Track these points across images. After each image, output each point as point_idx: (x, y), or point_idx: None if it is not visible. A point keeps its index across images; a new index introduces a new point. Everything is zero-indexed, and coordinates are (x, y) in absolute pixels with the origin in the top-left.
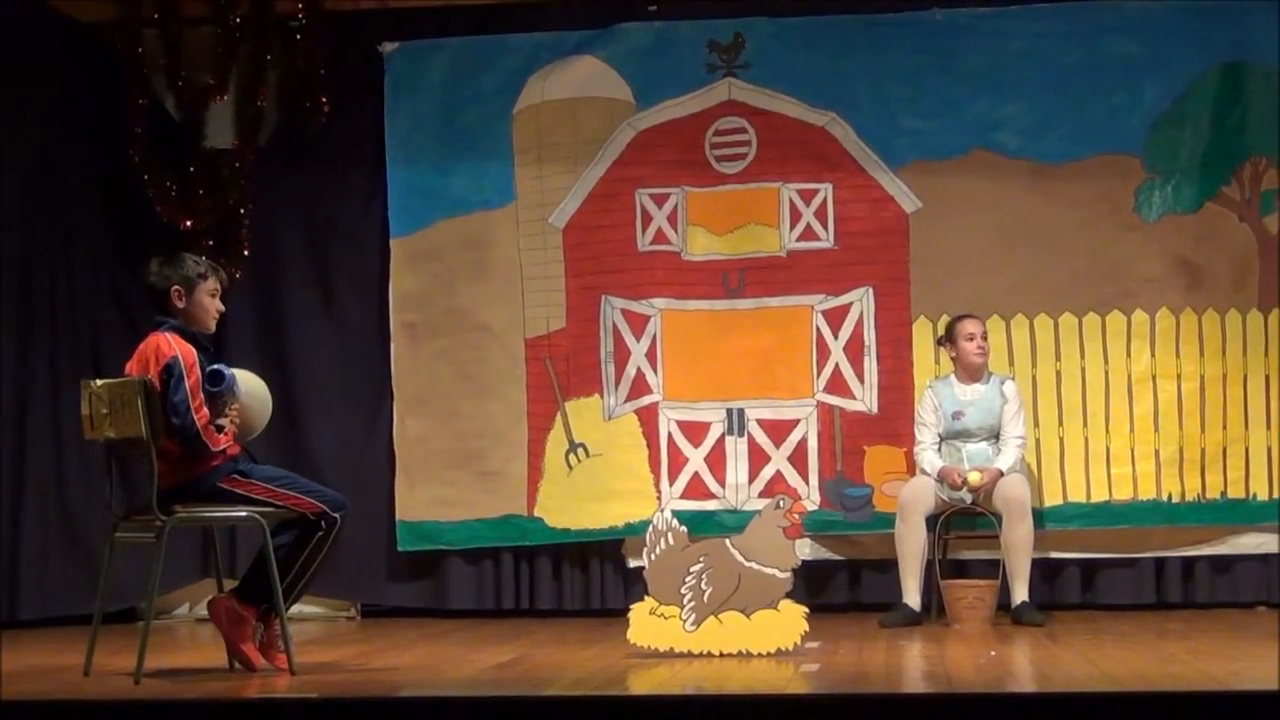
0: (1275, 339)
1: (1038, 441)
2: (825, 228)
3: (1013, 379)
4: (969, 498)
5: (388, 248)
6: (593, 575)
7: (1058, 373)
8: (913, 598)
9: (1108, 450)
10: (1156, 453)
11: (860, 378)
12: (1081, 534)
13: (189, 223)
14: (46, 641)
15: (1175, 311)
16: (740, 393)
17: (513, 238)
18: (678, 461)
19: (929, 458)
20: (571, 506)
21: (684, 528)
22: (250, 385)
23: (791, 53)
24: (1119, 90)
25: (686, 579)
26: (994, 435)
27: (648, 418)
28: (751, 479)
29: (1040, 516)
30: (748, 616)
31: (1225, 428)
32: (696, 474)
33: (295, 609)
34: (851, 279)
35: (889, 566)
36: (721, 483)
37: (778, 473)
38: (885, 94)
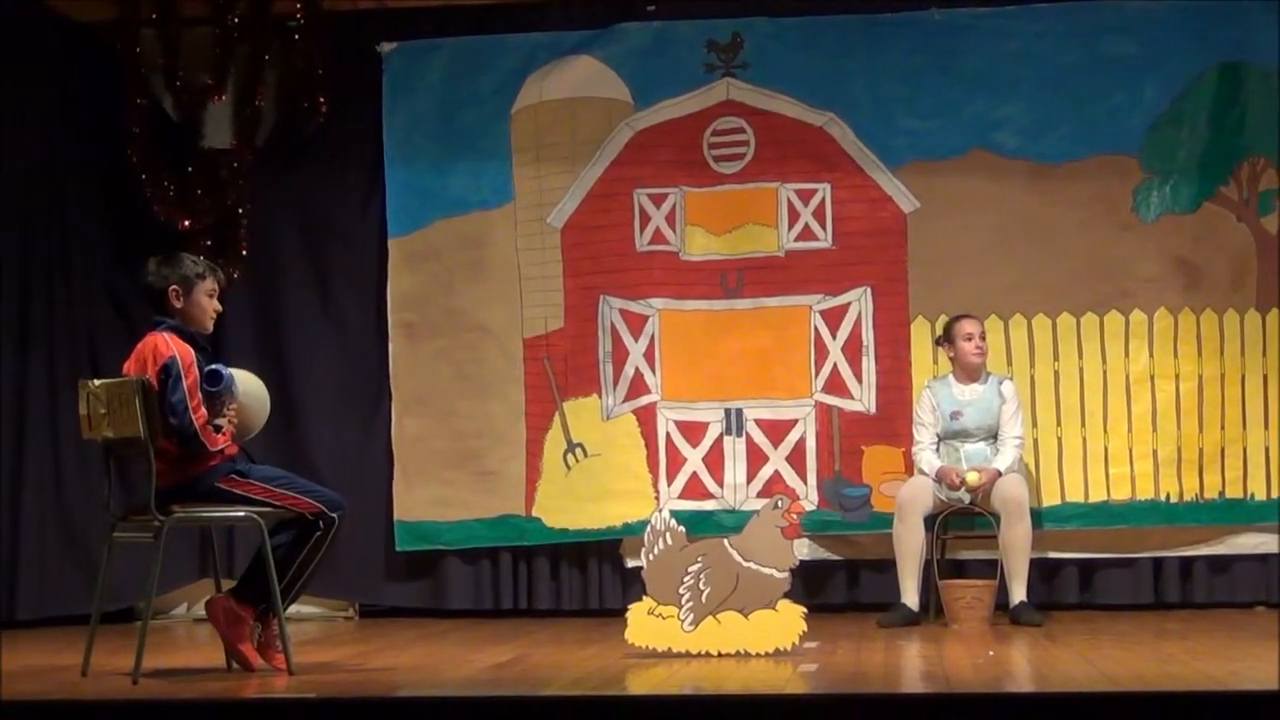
0: (1273, 339)
1: (1036, 441)
2: (823, 228)
3: (1011, 379)
4: (967, 498)
5: (386, 247)
6: (591, 575)
7: (1056, 373)
8: (911, 598)
9: (1106, 450)
10: (1155, 453)
11: (858, 378)
12: (1080, 534)
13: (187, 222)
14: (44, 641)
15: (1173, 311)
16: (738, 393)
17: (511, 238)
18: (676, 461)
19: (927, 458)
20: (570, 506)
21: (682, 528)
22: (248, 385)
23: (790, 53)
24: (1117, 90)
25: (685, 579)
26: (992, 435)
27: (646, 418)
28: (750, 479)
29: (1038, 516)
30: (746, 616)
31: (1223, 428)
32: (695, 474)
33: (293, 609)
34: (850, 279)
35: (887, 566)
36: (720, 483)
37: (776, 473)
38: (884, 94)
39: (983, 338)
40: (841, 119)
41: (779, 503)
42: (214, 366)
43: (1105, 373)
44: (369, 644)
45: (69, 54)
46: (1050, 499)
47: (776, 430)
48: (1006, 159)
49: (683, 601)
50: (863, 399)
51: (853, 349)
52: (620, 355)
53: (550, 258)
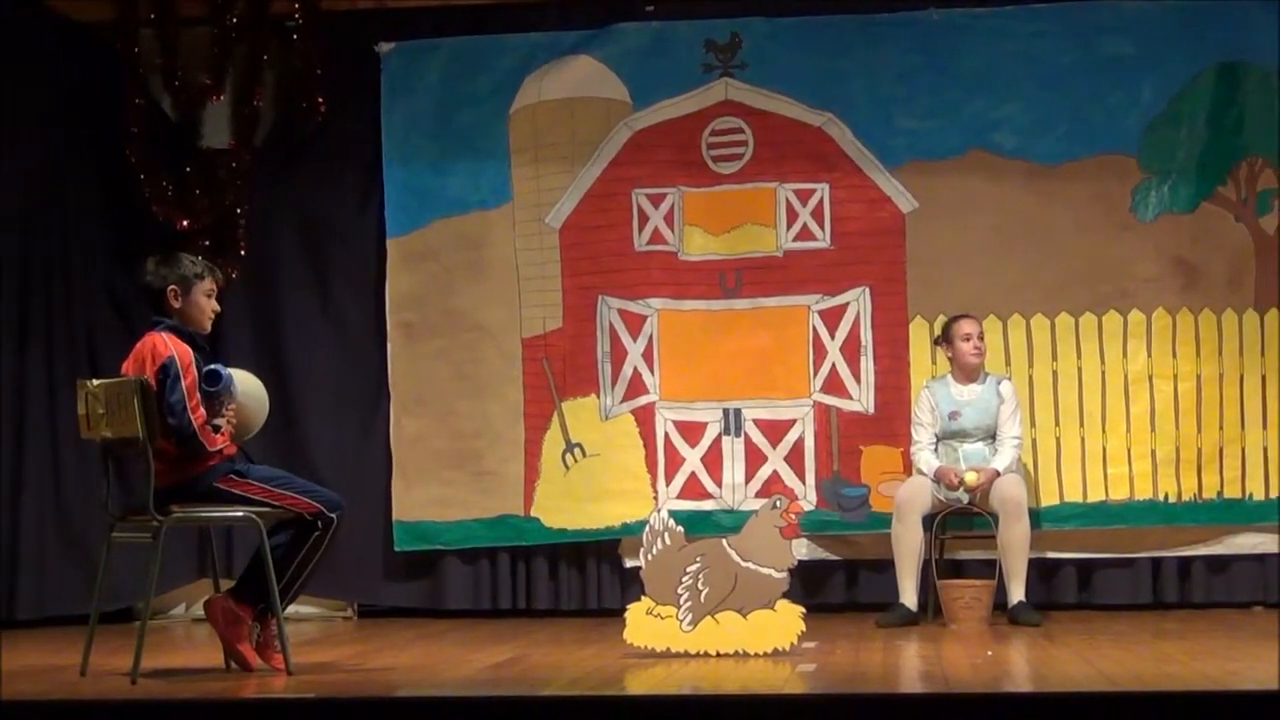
0: (1272, 339)
1: (1034, 441)
2: (822, 228)
3: (1009, 379)
4: (965, 498)
5: (384, 248)
6: (589, 575)
7: (1054, 373)
8: (909, 598)
9: (1104, 450)
10: (1153, 453)
11: (857, 378)
12: (1078, 534)
13: (185, 222)
14: (43, 641)
15: (1172, 311)
16: (737, 393)
17: (509, 238)
18: (674, 461)
19: (925, 458)
20: (568, 506)
21: (681, 528)
22: (247, 385)
23: (788, 53)
24: (1115, 90)
25: (683, 579)
26: (990, 435)
27: (644, 418)
28: (748, 479)
29: (1037, 516)
30: (744, 616)
31: (1222, 428)
32: (693, 474)
33: (292, 609)
34: (848, 279)
35: (886, 566)
36: (718, 483)
37: (774, 473)
38: (882, 94)
39: (981, 338)
40: (840, 119)
41: (777, 503)
42: (213, 366)
43: (1104, 373)
44: (367, 644)
45: (68, 54)
46: (1049, 499)
47: (775, 430)
48: (1005, 159)
49: (681, 601)
50: (861, 399)
51: (851, 349)
52: (619, 355)
53: (549, 258)
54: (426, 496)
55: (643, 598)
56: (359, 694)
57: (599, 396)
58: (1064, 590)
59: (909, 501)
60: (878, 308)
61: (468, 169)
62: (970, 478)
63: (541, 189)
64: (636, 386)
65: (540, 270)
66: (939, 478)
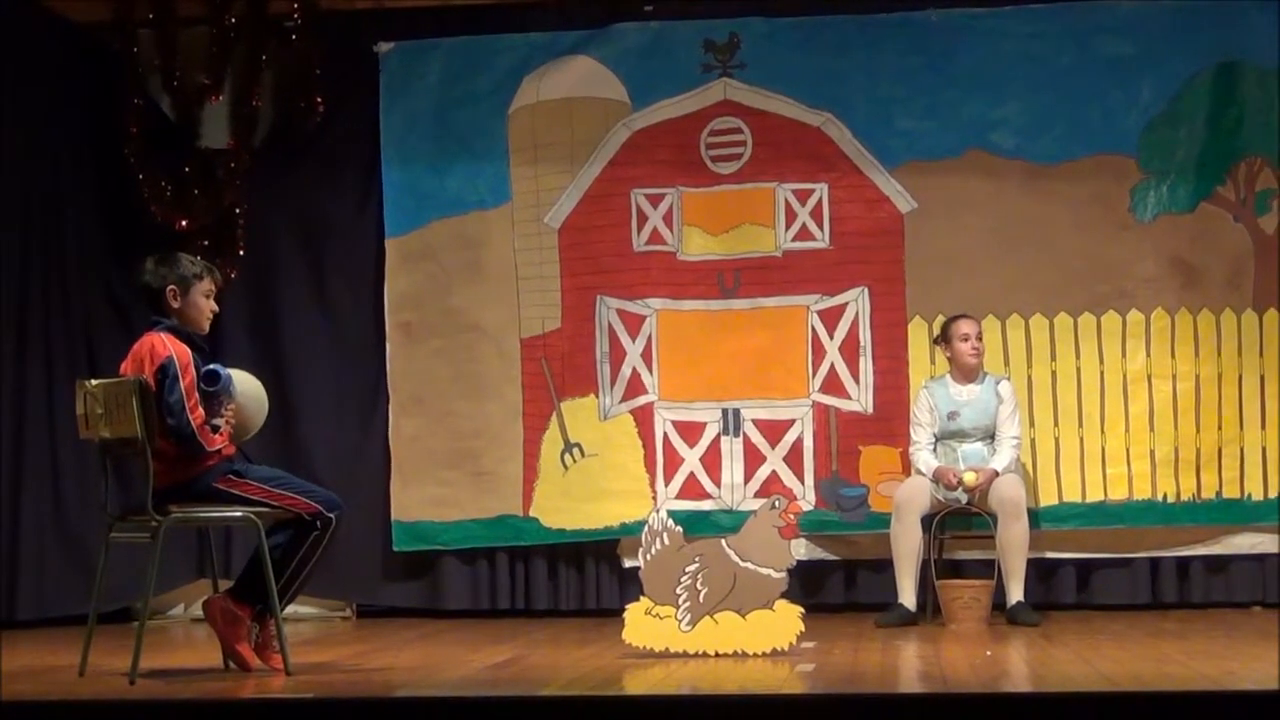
0: (1270, 339)
1: (1033, 442)
2: (821, 228)
3: (1008, 379)
4: (964, 498)
5: (383, 248)
6: (588, 575)
7: (1053, 373)
8: (908, 598)
9: (1103, 450)
10: (1152, 453)
11: (855, 378)
12: (1077, 534)
13: (184, 223)
14: (42, 642)
15: (1170, 311)
16: (736, 393)
17: (508, 238)
18: (673, 461)
19: (924, 458)
20: (567, 506)
21: (679, 528)
22: (246, 385)
23: (787, 53)
24: (1114, 90)
25: (682, 579)
26: (989, 435)
27: (643, 418)
28: (747, 479)
29: (1035, 516)
30: (743, 616)
31: (1220, 428)
32: (692, 474)
33: (290, 609)
34: (847, 279)
35: (884, 566)
36: (717, 483)
37: (773, 473)
38: (880, 94)
39: (979, 338)
40: (838, 119)
41: (776, 503)
42: (212, 366)
43: (1102, 373)
44: (366, 644)
45: (66, 54)
46: (1047, 499)
47: (774, 430)
48: (1003, 159)
49: (680, 601)
50: (860, 399)
51: (850, 349)
52: (617, 355)
53: (547, 258)
54: (425, 496)
55: (641, 598)
56: (358, 694)
57: (598, 396)
58: (1063, 590)
59: (908, 501)
60: (876, 308)
61: (466, 169)
62: (969, 478)
63: (540, 189)
64: (635, 386)
65: (539, 270)
66: (938, 478)
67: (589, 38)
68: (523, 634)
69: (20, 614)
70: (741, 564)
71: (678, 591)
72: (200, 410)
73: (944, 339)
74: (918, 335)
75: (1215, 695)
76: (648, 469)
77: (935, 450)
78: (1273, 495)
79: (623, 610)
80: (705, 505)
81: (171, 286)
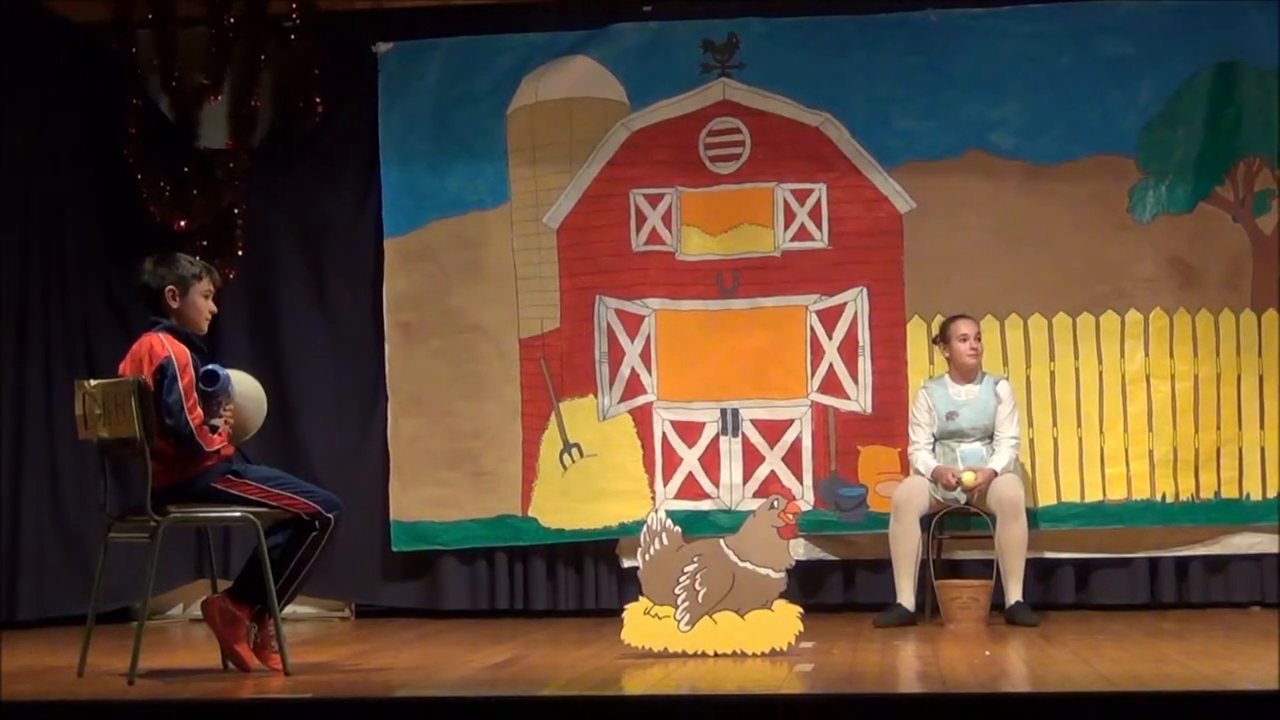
0: (1269, 339)
1: (1032, 442)
2: (819, 228)
3: (1007, 379)
4: (963, 498)
5: (382, 248)
6: (587, 575)
7: (1052, 373)
8: (907, 598)
9: (1102, 450)
10: (1150, 453)
11: (854, 378)
12: (1075, 534)
13: (183, 223)
14: (41, 642)
15: (1169, 311)
16: (734, 393)
17: (507, 238)
18: (672, 462)
19: (923, 458)
20: (566, 507)
21: (678, 528)
22: (245, 386)
23: (786, 53)
24: (1113, 91)
25: (681, 579)
26: (988, 435)
27: (642, 418)
28: (746, 479)
29: (1034, 517)
30: (742, 617)
31: (1219, 428)
32: (691, 474)
33: (289, 609)
34: (846, 279)
35: (883, 567)
36: (716, 483)
37: (772, 473)
38: (879, 94)
39: (978, 338)
40: (837, 119)
41: (775, 503)
42: (210, 367)
43: (1101, 373)
44: (365, 644)
45: (65, 54)
46: (1046, 499)
47: (772, 430)
48: (1002, 159)
49: (679, 602)
50: (859, 399)
51: (849, 349)
52: (616, 355)
53: (546, 258)
54: (424, 496)
55: (640, 598)
56: (356, 694)
57: (597, 397)
58: (1061, 590)
59: (906, 501)
60: (875, 308)
61: (465, 169)
62: (968, 478)
63: (539, 189)
64: (634, 387)
65: (538, 270)
66: (936, 478)
67: (588, 38)
68: (522, 634)
69: (20, 614)
70: (740, 564)
71: (676, 592)
72: (199, 410)
73: (942, 339)
74: (916, 335)
75: (1214, 695)
76: (646, 469)
77: (934, 450)
78: (1271, 495)
79: (621, 610)
80: (704, 505)
81: (170, 287)
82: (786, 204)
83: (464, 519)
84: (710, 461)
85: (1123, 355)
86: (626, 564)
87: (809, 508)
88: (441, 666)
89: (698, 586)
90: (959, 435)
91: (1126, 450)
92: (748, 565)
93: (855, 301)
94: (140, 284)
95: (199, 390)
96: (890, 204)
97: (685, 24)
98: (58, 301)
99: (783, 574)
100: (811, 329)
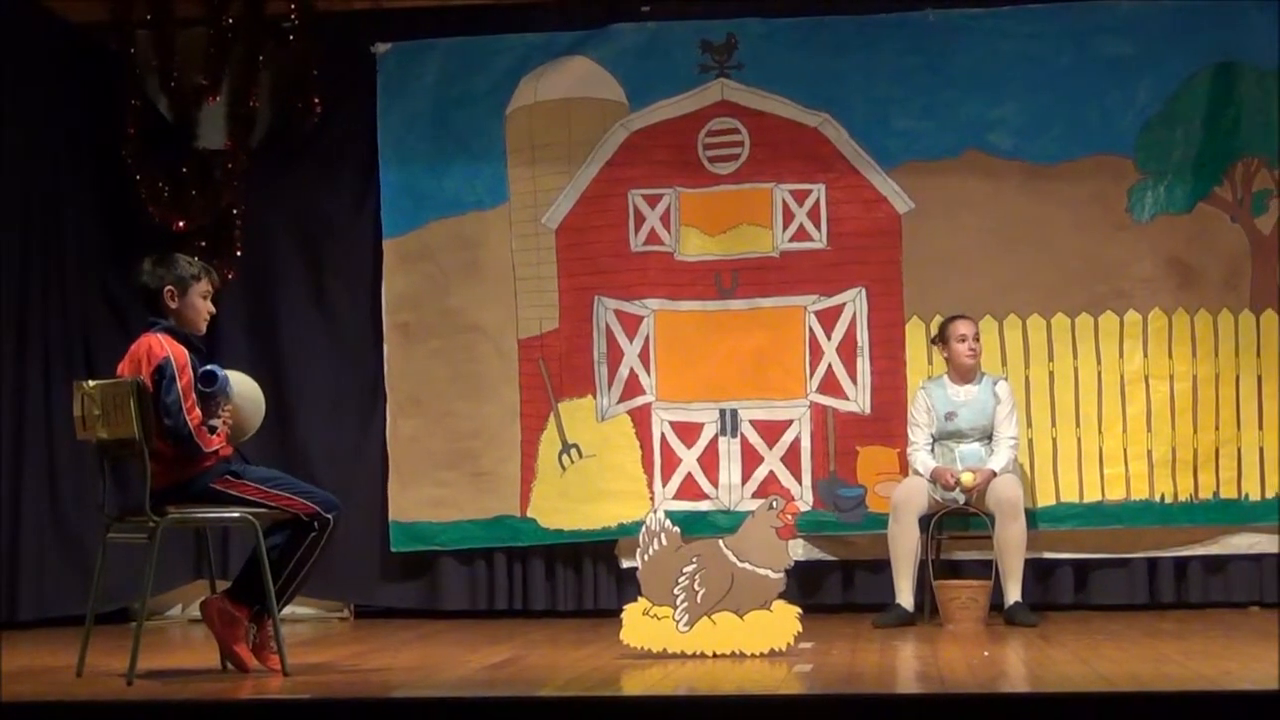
0: (1268, 339)
1: (1030, 442)
2: (818, 228)
3: (1005, 380)
4: (962, 498)
5: (380, 248)
6: (586, 576)
7: (1050, 373)
8: (906, 598)
9: (1100, 451)
10: (1149, 453)
11: (853, 378)
12: (1074, 534)
13: (181, 223)
14: (40, 642)
15: (1168, 312)
16: (733, 393)
17: (505, 238)
18: (671, 462)
19: (922, 458)
20: (565, 507)
21: (677, 528)
22: (243, 386)
23: (784, 53)
24: (1111, 91)
25: (679, 579)
26: (987, 436)
27: (641, 418)
28: (744, 479)
29: (1033, 517)
30: (741, 617)
31: (1218, 428)
32: (689, 474)
33: (288, 610)
34: (844, 279)
35: (882, 567)
36: (714, 483)
37: (771, 473)
38: (878, 95)
39: (977, 339)
40: (836, 120)
41: (774, 503)
42: (209, 367)
43: (1100, 373)
44: (364, 645)
45: (64, 55)
46: (1045, 499)
47: (771, 431)
48: (1001, 159)
49: (678, 602)
50: (858, 399)
51: (848, 349)
52: (615, 356)
53: (545, 258)
54: (423, 497)
55: (639, 598)
56: (355, 695)
57: (595, 397)
58: (1060, 590)
59: (905, 502)
60: (874, 308)
61: (464, 170)
62: (966, 478)
63: (538, 189)
64: (633, 387)
65: (537, 271)
66: (935, 478)
67: (586, 38)
68: (520, 634)
69: (20, 614)
70: (739, 564)
71: (675, 592)
72: (197, 411)
73: (941, 339)
74: (915, 336)
75: (1213, 695)
76: (645, 469)
77: (933, 450)
78: (1270, 495)
79: (620, 611)
80: (703, 506)
81: (169, 287)
82: (785, 204)
83: (463, 519)
84: (709, 462)
85: (1121, 355)
86: (625, 564)
87: (808, 508)
88: (440, 667)
89: (696, 587)
90: (958, 436)
91: (1125, 450)
92: (747, 566)
93: (854, 302)
94: (139, 284)
95: (197, 391)
96: (889, 204)
97: (684, 24)
98: (57, 302)
99: (781, 574)
100: (810, 329)
